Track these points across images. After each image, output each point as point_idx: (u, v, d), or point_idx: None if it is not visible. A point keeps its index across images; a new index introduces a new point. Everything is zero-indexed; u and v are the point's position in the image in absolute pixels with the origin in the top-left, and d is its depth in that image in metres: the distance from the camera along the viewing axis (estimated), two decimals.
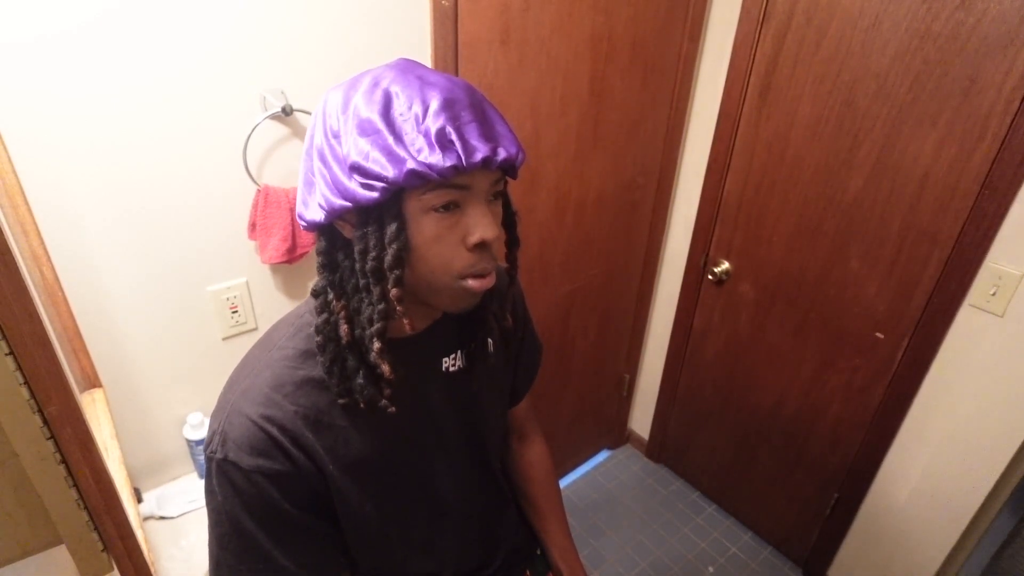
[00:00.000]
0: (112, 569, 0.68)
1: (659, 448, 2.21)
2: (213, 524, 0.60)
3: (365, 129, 0.49)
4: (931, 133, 1.23)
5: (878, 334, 1.43)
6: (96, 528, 0.64)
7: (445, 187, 0.51)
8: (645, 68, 1.53)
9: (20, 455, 0.56)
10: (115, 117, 0.88)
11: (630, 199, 1.73)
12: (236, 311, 1.12)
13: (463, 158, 0.49)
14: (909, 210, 1.30)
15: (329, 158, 0.52)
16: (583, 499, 2.07)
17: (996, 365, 1.24)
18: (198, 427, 1.13)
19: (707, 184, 1.70)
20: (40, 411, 0.55)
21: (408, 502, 0.69)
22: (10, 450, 0.55)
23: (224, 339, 1.14)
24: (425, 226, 0.52)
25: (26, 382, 0.54)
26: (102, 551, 0.66)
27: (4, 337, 0.51)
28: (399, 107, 0.50)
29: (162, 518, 1.09)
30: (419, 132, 0.49)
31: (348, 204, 0.51)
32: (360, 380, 0.58)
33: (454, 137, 0.49)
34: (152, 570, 0.75)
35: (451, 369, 0.69)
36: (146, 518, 1.08)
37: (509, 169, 0.55)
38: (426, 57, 1.16)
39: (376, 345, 0.55)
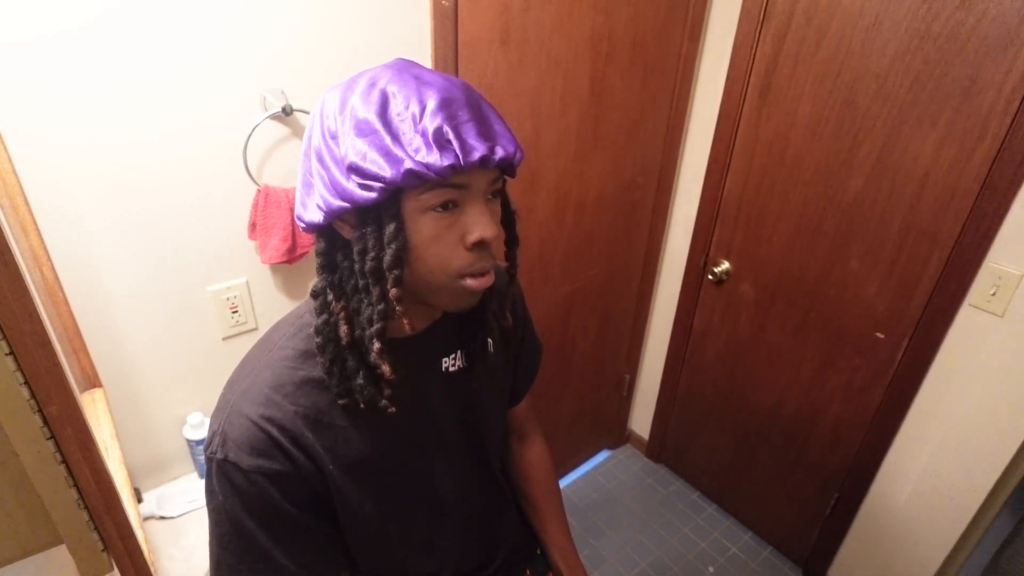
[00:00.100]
0: (112, 569, 0.68)
1: (659, 448, 2.21)
2: (213, 524, 0.60)
3: (362, 129, 0.49)
4: (931, 133, 1.23)
5: (878, 334, 1.43)
6: (96, 528, 0.64)
7: (443, 186, 0.51)
8: (645, 68, 1.53)
9: (20, 455, 0.56)
10: (115, 117, 0.88)
11: (630, 199, 1.73)
12: (236, 311, 1.12)
13: (461, 157, 0.49)
14: (909, 210, 1.30)
15: (327, 159, 0.52)
16: (583, 499, 2.07)
17: (996, 365, 1.24)
18: (198, 427, 1.13)
19: (707, 184, 1.70)
20: (40, 411, 0.55)
21: (408, 502, 0.69)
22: (10, 450, 0.55)
23: (224, 339, 1.14)
24: (423, 226, 0.52)
25: (26, 382, 0.54)
26: (102, 551, 0.66)
27: (4, 337, 0.51)
28: (396, 107, 0.49)
29: (162, 518, 1.09)
30: (416, 132, 0.48)
31: (346, 205, 0.51)
32: (360, 381, 0.58)
33: (451, 136, 0.49)
34: (152, 570, 0.75)
35: (451, 369, 0.69)
36: (146, 518, 1.08)
37: (507, 168, 0.55)
38: (426, 57, 1.16)
39: (376, 345, 0.55)
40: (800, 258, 1.53)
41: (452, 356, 0.69)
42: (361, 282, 0.54)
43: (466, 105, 0.51)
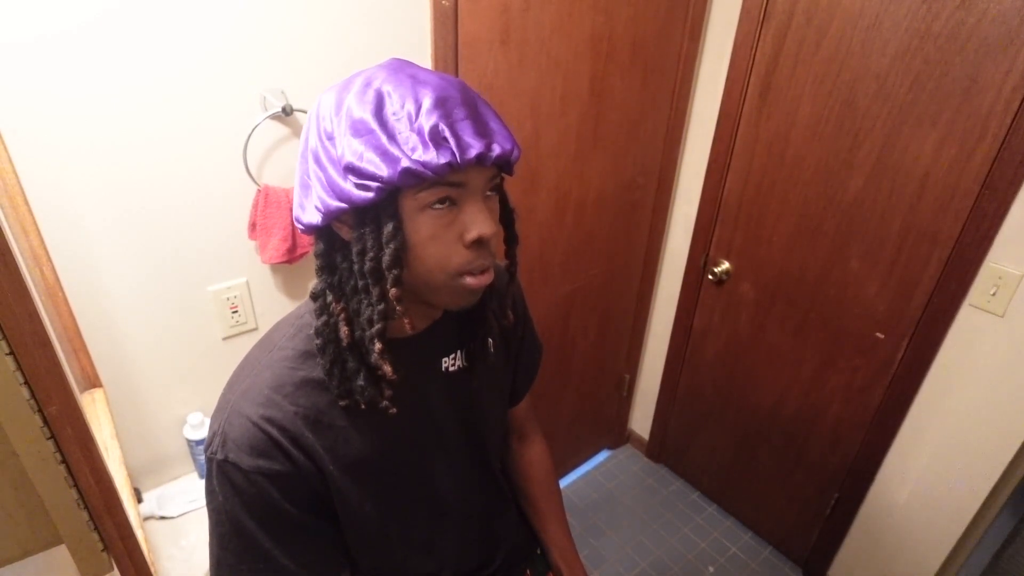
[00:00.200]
0: (112, 569, 0.68)
1: (659, 448, 2.21)
2: (214, 524, 0.60)
3: (358, 129, 0.49)
4: (931, 133, 1.23)
5: (878, 334, 1.43)
6: (96, 528, 0.64)
7: (440, 185, 0.51)
8: (645, 68, 1.53)
9: (20, 455, 0.56)
10: (115, 117, 0.88)
11: (630, 199, 1.73)
12: (236, 311, 1.12)
13: (457, 155, 0.49)
14: (909, 210, 1.30)
15: (324, 160, 0.52)
16: (583, 499, 2.07)
17: (996, 365, 1.24)
18: (198, 427, 1.13)
19: (707, 184, 1.70)
20: (40, 411, 0.55)
21: (408, 502, 0.69)
22: (10, 450, 0.55)
23: (224, 339, 1.14)
24: (422, 224, 0.52)
25: (26, 382, 0.54)
26: (102, 551, 0.66)
27: (4, 337, 0.51)
28: (392, 106, 0.49)
29: (162, 518, 1.09)
30: (412, 130, 0.48)
31: (344, 205, 0.51)
32: (361, 382, 0.58)
33: (448, 134, 0.49)
34: (152, 570, 0.75)
35: (451, 369, 0.69)
36: (146, 518, 1.08)
37: (504, 165, 0.55)
38: (426, 57, 1.16)
39: (377, 346, 0.55)
40: (800, 258, 1.53)
41: (452, 356, 0.69)
42: (360, 283, 0.54)
43: (462, 103, 0.51)
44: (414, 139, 0.48)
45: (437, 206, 0.52)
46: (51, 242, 0.90)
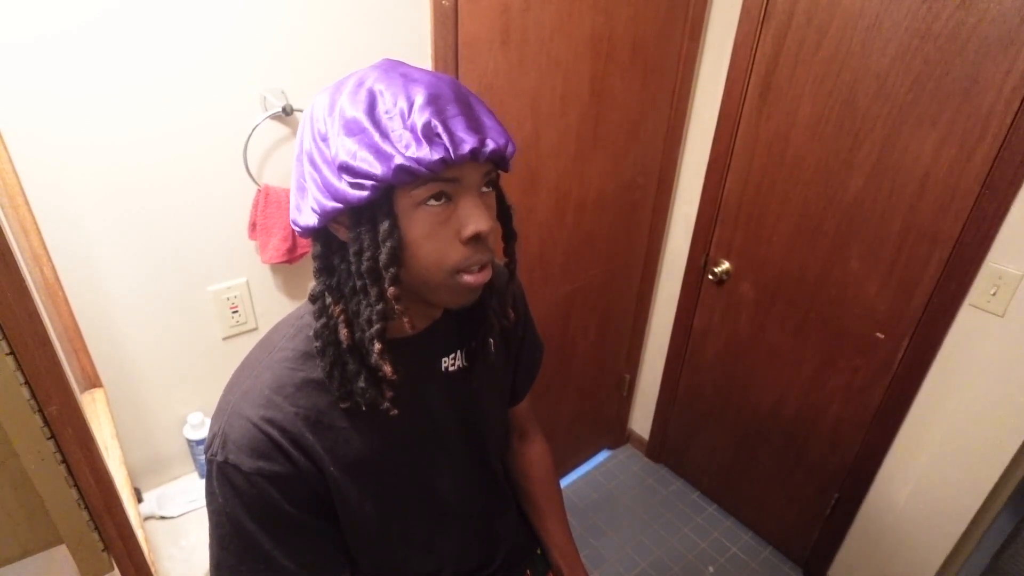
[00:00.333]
0: (112, 569, 0.68)
1: (659, 448, 2.21)
2: (214, 525, 0.60)
3: (351, 129, 0.49)
4: (931, 133, 1.23)
5: (878, 334, 1.43)
6: (96, 528, 0.64)
7: (435, 181, 0.50)
8: (645, 68, 1.53)
9: (20, 455, 0.56)
10: (115, 117, 0.88)
11: (630, 199, 1.73)
12: (236, 311, 1.12)
13: (451, 150, 0.48)
14: (909, 210, 1.30)
15: (319, 161, 0.52)
16: (583, 499, 2.07)
17: (996, 365, 1.24)
18: (198, 427, 1.13)
19: (707, 184, 1.70)
20: (40, 411, 0.55)
21: (408, 502, 0.69)
22: (10, 450, 0.55)
23: (224, 339, 1.14)
24: (417, 221, 0.52)
25: (26, 382, 0.54)
26: (102, 551, 0.66)
27: (4, 337, 0.51)
28: (384, 105, 0.49)
29: (162, 518, 1.09)
30: (405, 128, 0.48)
31: (339, 206, 0.51)
32: (362, 383, 0.57)
33: (440, 130, 0.48)
34: (152, 570, 0.75)
35: (450, 369, 0.69)
36: (146, 518, 1.08)
37: (500, 161, 0.55)
38: (426, 57, 1.16)
39: (377, 346, 0.55)
40: (800, 258, 1.53)
41: (452, 356, 0.69)
42: (359, 283, 0.54)
43: (454, 100, 0.51)
44: (407, 136, 0.48)
45: (432, 203, 0.52)
46: (51, 242, 0.90)
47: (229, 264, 1.08)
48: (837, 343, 1.52)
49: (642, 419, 2.25)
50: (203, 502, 0.87)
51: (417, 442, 0.67)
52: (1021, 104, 1.10)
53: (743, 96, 1.53)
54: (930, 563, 1.46)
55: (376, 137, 0.49)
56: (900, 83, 1.25)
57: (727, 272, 1.73)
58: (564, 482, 2.14)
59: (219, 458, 0.56)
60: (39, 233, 0.88)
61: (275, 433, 0.56)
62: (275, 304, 1.17)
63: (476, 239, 0.54)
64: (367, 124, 0.49)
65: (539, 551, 0.93)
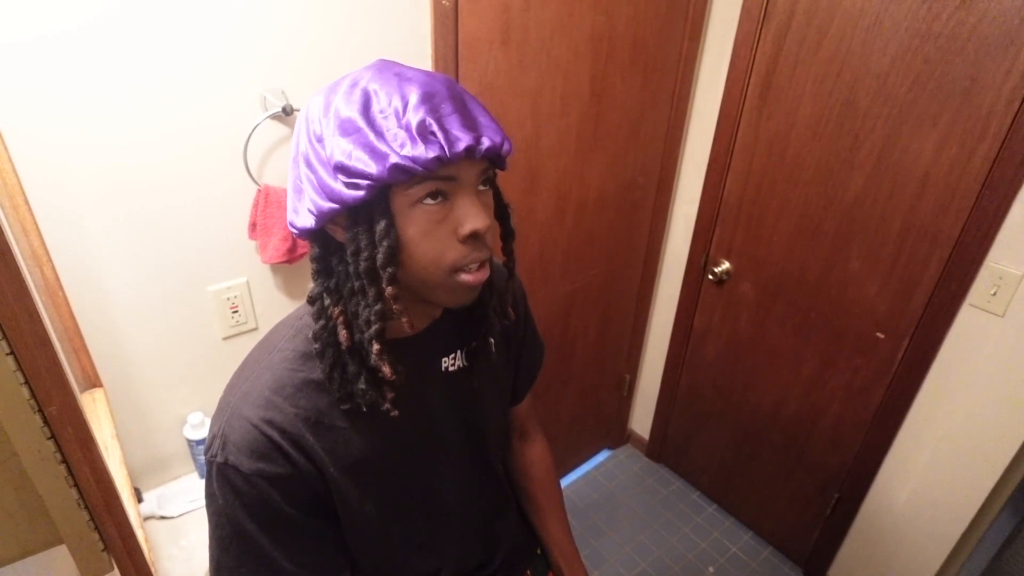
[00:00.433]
0: (112, 569, 0.68)
1: (659, 448, 2.21)
2: (214, 527, 0.60)
3: (346, 129, 0.49)
4: (932, 133, 1.23)
5: (878, 334, 1.43)
6: (96, 528, 0.64)
7: (431, 179, 0.50)
8: (645, 68, 1.53)
9: (20, 455, 0.56)
10: (115, 117, 0.88)
11: (630, 199, 1.73)
12: (236, 311, 1.12)
13: (446, 148, 0.48)
14: (910, 210, 1.30)
15: (314, 162, 0.52)
16: (583, 499, 2.07)
17: (996, 365, 1.24)
18: (198, 427, 1.13)
19: (707, 184, 1.70)
20: (40, 411, 0.55)
21: (409, 502, 0.69)
22: (11, 450, 0.55)
23: (224, 339, 1.14)
24: (414, 220, 0.52)
25: (27, 382, 0.54)
26: (102, 551, 0.66)
27: (5, 337, 0.51)
28: (379, 104, 0.49)
29: (163, 518, 1.09)
30: (400, 127, 0.48)
31: (336, 206, 0.51)
32: (362, 385, 0.57)
33: (435, 128, 0.48)
34: (152, 570, 0.75)
35: (451, 369, 0.69)
36: (146, 518, 1.08)
37: (496, 159, 0.54)
38: (426, 57, 1.16)
39: (375, 347, 0.55)
40: (800, 258, 1.53)
41: (452, 356, 0.69)
42: (357, 284, 0.54)
43: (449, 98, 0.51)
44: (402, 135, 0.48)
45: (428, 201, 0.51)
46: (51, 242, 0.90)
47: (229, 264, 1.08)
48: (837, 343, 1.52)
49: (642, 419, 2.25)
50: (203, 502, 0.87)
51: (417, 442, 0.67)
52: (1021, 104, 1.10)
53: (743, 96, 1.53)
54: (930, 563, 1.46)
55: (371, 136, 0.48)
56: (900, 83, 1.24)
57: (727, 272, 1.73)
58: (564, 482, 2.14)
59: (219, 459, 0.56)
60: (39, 233, 0.88)
61: (275, 434, 0.56)
62: (275, 304, 1.17)
63: (473, 237, 0.54)
64: (362, 124, 0.49)
65: (539, 551, 0.93)
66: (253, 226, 1.06)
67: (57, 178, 0.87)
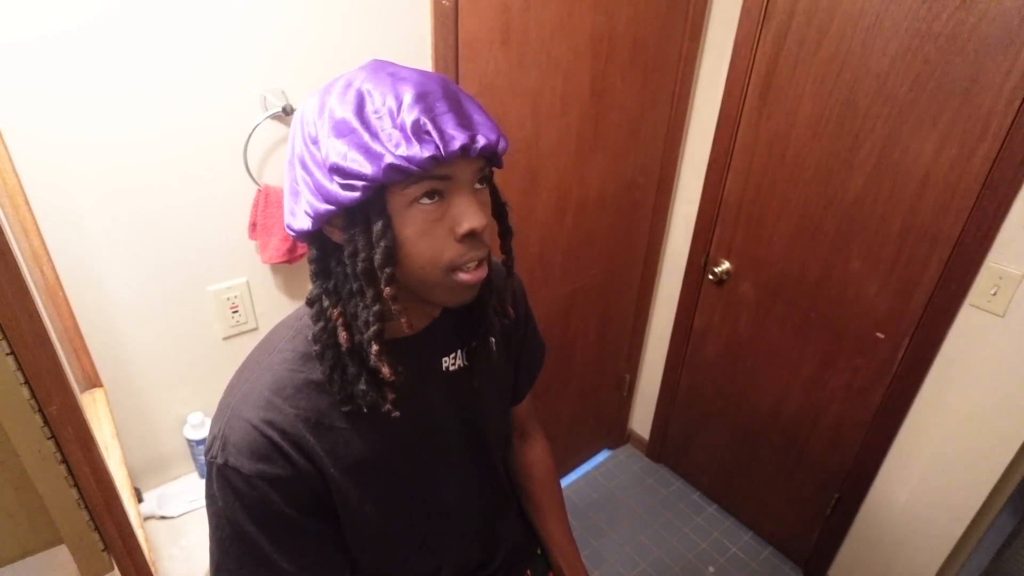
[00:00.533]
0: (112, 569, 0.68)
1: (659, 448, 2.21)
2: (214, 528, 0.59)
3: (341, 130, 0.49)
4: (932, 133, 1.23)
5: (879, 334, 1.43)
6: (97, 528, 0.64)
7: (427, 179, 0.50)
8: (645, 68, 1.53)
9: (21, 455, 0.56)
10: (115, 117, 0.88)
11: (630, 199, 1.73)
12: (236, 311, 1.12)
13: (441, 147, 0.48)
14: (910, 210, 1.30)
15: (310, 164, 0.52)
16: (583, 499, 2.07)
17: (997, 365, 1.24)
18: (199, 427, 1.13)
19: (707, 184, 1.70)
20: (41, 411, 0.55)
21: (409, 502, 0.69)
22: (11, 450, 0.55)
23: (224, 339, 1.14)
24: (411, 220, 0.52)
25: (27, 382, 0.54)
26: (103, 551, 0.66)
27: (5, 337, 0.51)
28: (373, 104, 0.49)
29: (163, 518, 1.09)
30: (395, 127, 0.48)
31: (332, 208, 0.50)
32: (362, 386, 0.57)
33: (430, 128, 0.48)
34: (152, 570, 0.75)
35: (451, 368, 0.69)
36: (147, 518, 1.08)
37: (492, 157, 0.54)
38: (426, 57, 1.16)
39: (374, 347, 0.55)
40: (800, 258, 1.53)
41: (452, 355, 0.69)
42: (355, 285, 0.54)
43: (443, 97, 0.50)
44: (397, 135, 0.48)
45: (425, 201, 0.51)
46: (51, 242, 0.90)
47: (229, 264, 1.08)
48: (837, 343, 1.52)
49: (642, 419, 2.25)
50: (203, 502, 0.87)
51: (418, 443, 0.67)
52: (1021, 104, 1.10)
53: (743, 96, 1.53)
54: (930, 563, 1.46)
55: (366, 137, 0.48)
56: (900, 83, 1.24)
57: (727, 272, 1.73)
58: (564, 482, 2.14)
59: (219, 461, 0.56)
60: (39, 233, 0.88)
61: (275, 435, 0.56)
62: (275, 304, 1.17)
63: (471, 236, 0.54)
64: (356, 124, 0.49)
65: (539, 551, 0.93)
66: (253, 226, 1.06)
67: (57, 178, 0.87)
